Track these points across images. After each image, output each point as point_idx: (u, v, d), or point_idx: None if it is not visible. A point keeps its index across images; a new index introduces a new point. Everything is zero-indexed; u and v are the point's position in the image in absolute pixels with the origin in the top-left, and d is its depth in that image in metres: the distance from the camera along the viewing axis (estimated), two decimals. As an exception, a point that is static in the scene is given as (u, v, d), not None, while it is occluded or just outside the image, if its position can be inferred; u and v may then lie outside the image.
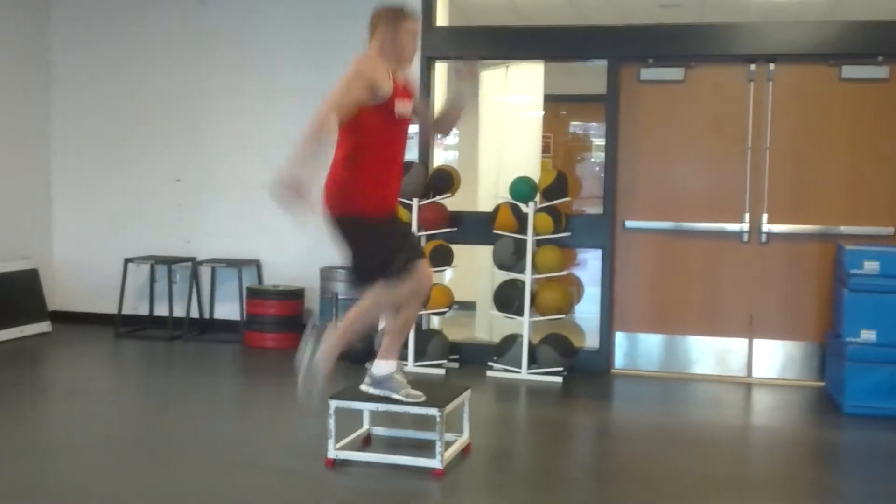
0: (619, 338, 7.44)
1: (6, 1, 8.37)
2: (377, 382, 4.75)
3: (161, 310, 8.57)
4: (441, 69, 7.73)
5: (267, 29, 8.48)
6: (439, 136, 4.97)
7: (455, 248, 7.35)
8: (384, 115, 4.45)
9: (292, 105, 8.46)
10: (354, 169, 4.45)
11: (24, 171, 8.65)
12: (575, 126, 11.32)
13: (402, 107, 4.50)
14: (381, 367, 4.74)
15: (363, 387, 4.82)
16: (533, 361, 7.08)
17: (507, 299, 7.20)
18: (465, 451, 5.05)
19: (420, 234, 7.29)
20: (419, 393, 4.74)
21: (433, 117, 4.97)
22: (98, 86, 8.83)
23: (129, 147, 8.80)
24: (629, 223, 7.34)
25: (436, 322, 7.64)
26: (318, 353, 4.53)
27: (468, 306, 8.44)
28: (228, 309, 8.53)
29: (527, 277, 7.12)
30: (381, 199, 4.54)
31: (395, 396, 4.72)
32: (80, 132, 8.89)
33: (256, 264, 8.55)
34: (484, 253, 7.61)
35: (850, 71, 7.00)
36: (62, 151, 8.93)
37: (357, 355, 7.32)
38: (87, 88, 8.85)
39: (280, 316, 8.08)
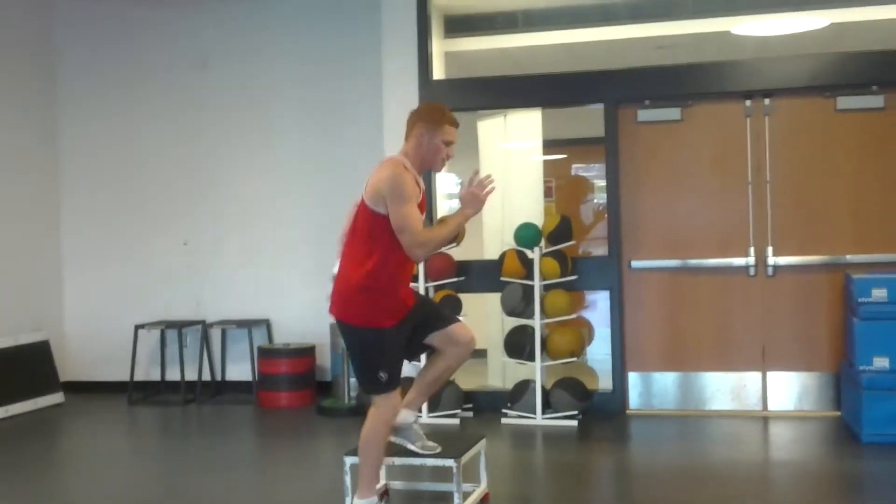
0: (633, 378, 7.42)
1: (12, 78, 8.49)
2: (395, 430, 4.69)
3: (173, 374, 8.57)
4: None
5: (268, 92, 8.60)
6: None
7: (464, 297, 7.36)
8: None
9: (296, 165, 8.60)
10: (377, 280, 4.35)
11: (33, 243, 8.71)
12: (576, 169, 11.37)
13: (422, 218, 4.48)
14: (402, 415, 4.67)
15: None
16: (547, 406, 7.05)
17: (518, 345, 7.20)
18: (484, 500, 5.02)
19: (428, 284, 7.31)
20: (435, 444, 4.71)
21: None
22: (104, 156, 8.94)
23: (136, 214, 8.87)
24: (635, 263, 7.36)
25: (448, 372, 7.61)
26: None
27: (480, 354, 8.39)
28: (240, 370, 8.54)
29: (536, 322, 7.12)
30: (404, 307, 4.47)
31: (411, 447, 4.69)
32: (88, 202, 8.97)
33: (266, 323, 8.57)
34: (493, 300, 7.61)
35: (845, 102, 7.05)
36: (71, 222, 9.00)
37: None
38: (93, 159, 8.95)
39: (292, 374, 8.08)
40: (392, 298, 4.39)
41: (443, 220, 4.66)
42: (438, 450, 4.69)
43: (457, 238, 4.73)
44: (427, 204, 5.03)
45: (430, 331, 4.56)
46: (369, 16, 8.00)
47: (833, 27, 7.62)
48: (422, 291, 7.23)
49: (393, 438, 4.69)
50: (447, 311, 5.00)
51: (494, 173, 8.02)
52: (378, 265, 4.33)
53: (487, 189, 4.49)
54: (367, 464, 4.47)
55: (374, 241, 4.35)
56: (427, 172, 4.96)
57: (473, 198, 4.48)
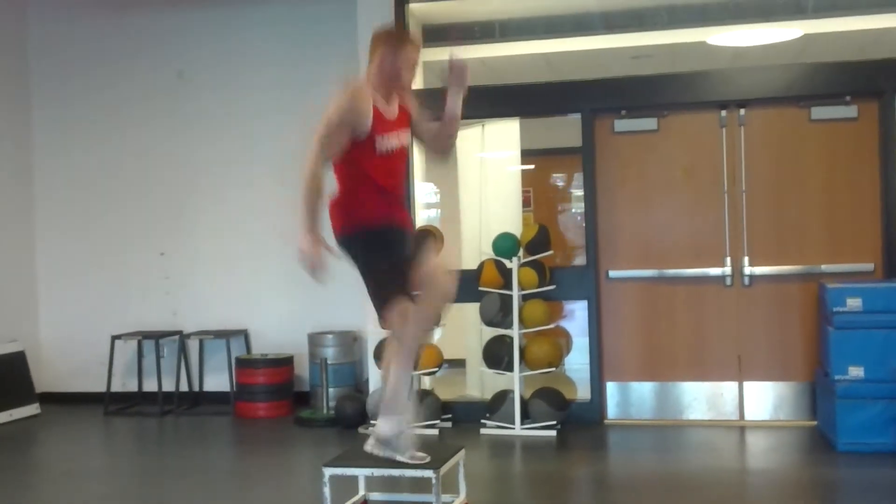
0: (611, 388, 7.45)
1: (-16, 86, 8.46)
2: (384, 444, 4.58)
3: (150, 385, 8.53)
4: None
5: (245, 101, 8.58)
6: (440, 158, 4.76)
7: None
8: (369, 151, 4.37)
9: (274, 172, 8.55)
10: (354, 195, 4.38)
11: (7, 253, 8.66)
12: (554, 178, 11.43)
13: (385, 143, 4.40)
14: (387, 425, 4.54)
15: (367, 448, 4.71)
16: (526, 416, 7.07)
17: (496, 355, 7.21)
18: (463, 511, 5.03)
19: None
20: (424, 455, 4.62)
21: (433, 138, 4.73)
22: (79, 165, 8.89)
23: (112, 224, 8.83)
24: (613, 273, 7.39)
25: (427, 382, 7.63)
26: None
27: (458, 364, 8.43)
28: (218, 380, 8.50)
29: (515, 333, 7.14)
30: (385, 212, 4.40)
31: (400, 459, 4.57)
32: (63, 212, 8.92)
33: (244, 334, 8.54)
34: (471, 310, 7.63)
35: (819, 112, 7.12)
36: (45, 232, 8.95)
37: (349, 420, 7.32)
38: (68, 168, 8.91)
39: (270, 384, 8.06)
40: (372, 204, 4.36)
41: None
42: (428, 459, 4.64)
43: None
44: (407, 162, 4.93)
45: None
46: (346, 24, 8.00)
47: (806, 38, 7.70)
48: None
49: (382, 453, 4.60)
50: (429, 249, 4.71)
51: (472, 183, 8.19)
52: (350, 188, 4.38)
53: (466, 68, 4.51)
54: (402, 382, 4.44)
55: (343, 163, 4.40)
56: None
57: (458, 76, 4.50)
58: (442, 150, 4.76)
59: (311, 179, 4.21)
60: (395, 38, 4.49)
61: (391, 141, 4.43)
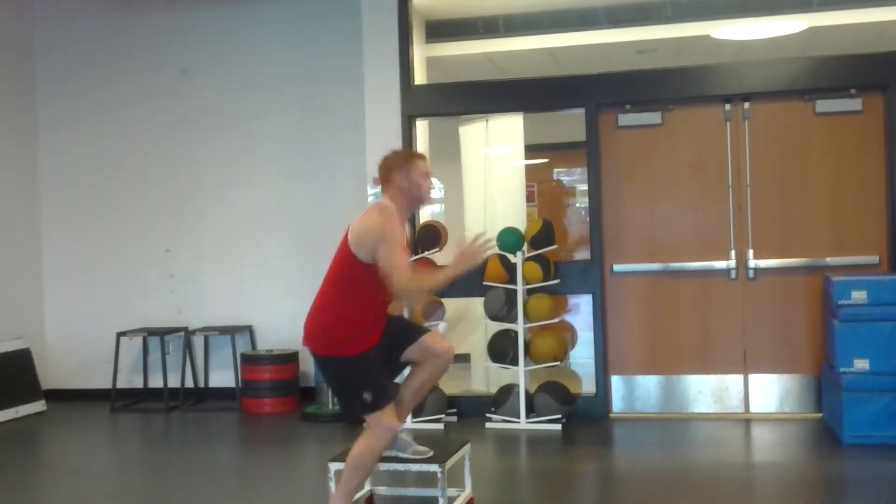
0: (616, 381, 7.45)
1: (-12, 84, 8.47)
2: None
3: (156, 381, 8.54)
4: (421, 127, 7.82)
5: (249, 99, 8.59)
6: (401, 299, 4.76)
7: (447, 301, 7.38)
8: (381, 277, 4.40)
9: (277, 171, 8.58)
10: (349, 316, 4.42)
11: (12, 251, 8.67)
12: (558, 173, 11.41)
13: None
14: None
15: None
16: (531, 410, 7.07)
17: (501, 350, 7.22)
18: (469, 505, 5.03)
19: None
20: (426, 449, 4.71)
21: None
22: (84, 163, 8.90)
23: (117, 221, 8.84)
24: (617, 267, 7.39)
25: (432, 377, 7.62)
26: None
27: (463, 359, 8.43)
28: (223, 377, 8.51)
29: (519, 327, 7.15)
30: (370, 338, 4.48)
31: (404, 455, 4.68)
32: (68, 210, 8.93)
33: (249, 330, 8.55)
34: (476, 305, 7.63)
35: (824, 105, 7.11)
36: (50, 230, 8.97)
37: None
38: (73, 166, 8.92)
39: (275, 380, 8.08)
40: (362, 330, 4.43)
41: (427, 259, 4.70)
42: (430, 454, 4.69)
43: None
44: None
45: (405, 346, 4.58)
46: (350, 21, 8.00)
47: (811, 31, 7.68)
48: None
49: (385, 452, 4.66)
50: (417, 325, 4.99)
51: (476, 179, 8.18)
52: (348, 301, 4.42)
53: (485, 252, 4.51)
54: (352, 480, 4.48)
55: (348, 280, 4.43)
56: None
57: (471, 256, 4.48)
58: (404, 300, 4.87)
59: (417, 293, 4.50)
60: (405, 158, 4.59)
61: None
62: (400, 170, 4.50)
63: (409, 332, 4.68)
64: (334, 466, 4.74)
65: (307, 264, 8.27)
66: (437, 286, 4.50)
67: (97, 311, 8.82)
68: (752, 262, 7.20)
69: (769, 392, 7.23)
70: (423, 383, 4.68)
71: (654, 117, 7.37)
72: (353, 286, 4.42)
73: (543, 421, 7.00)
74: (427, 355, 4.60)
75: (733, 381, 7.27)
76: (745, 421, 7.12)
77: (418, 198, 4.56)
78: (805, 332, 7.12)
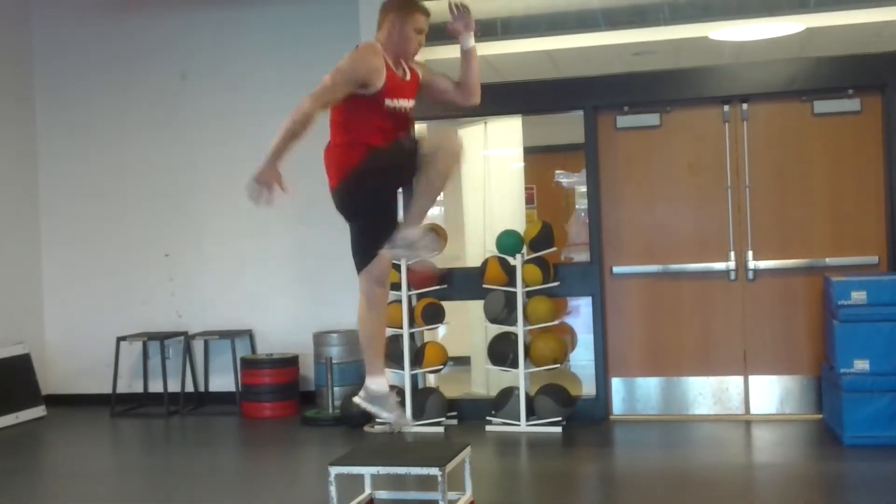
0: (616, 383, 7.44)
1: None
2: (372, 398, 4.62)
3: (156, 386, 8.53)
4: (420, 129, 7.80)
5: (248, 99, 8.58)
6: (470, 102, 4.62)
7: (446, 304, 7.38)
8: (375, 106, 4.32)
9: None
10: (351, 142, 4.37)
11: (13, 256, 8.66)
12: (557, 175, 11.41)
13: (394, 103, 4.36)
14: (379, 383, 4.62)
15: (357, 399, 4.70)
16: (531, 413, 7.07)
17: (501, 352, 7.21)
18: (470, 508, 5.03)
19: (410, 293, 7.31)
20: (409, 419, 4.70)
21: (455, 86, 4.68)
22: (83, 167, 8.90)
23: (116, 226, 8.84)
24: (617, 269, 7.39)
25: (432, 380, 7.64)
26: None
27: (463, 362, 8.44)
28: (223, 381, 8.51)
29: (519, 329, 7.14)
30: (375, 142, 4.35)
31: (386, 415, 4.63)
32: (68, 215, 8.93)
33: (249, 334, 8.55)
34: (475, 308, 7.63)
35: (822, 106, 7.11)
36: (51, 234, 8.96)
37: (355, 419, 7.32)
38: (72, 170, 8.92)
39: (275, 384, 8.07)
40: (356, 148, 4.37)
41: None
42: (411, 424, 4.66)
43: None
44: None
45: (413, 158, 4.33)
46: (348, 26, 8.00)
47: (809, 32, 7.68)
48: (404, 300, 7.23)
49: (369, 407, 4.63)
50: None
51: (475, 181, 8.18)
52: (347, 122, 4.38)
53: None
54: (364, 347, 4.60)
55: (342, 112, 4.40)
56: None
57: (464, 20, 4.46)
58: (470, 92, 4.67)
59: (301, 121, 4.22)
60: (405, 5, 4.44)
61: (400, 102, 4.41)
62: (396, 15, 4.39)
63: (416, 140, 4.49)
64: (335, 470, 4.74)
65: (306, 268, 8.29)
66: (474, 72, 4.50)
67: (97, 316, 8.82)
68: (752, 264, 7.20)
69: (769, 393, 7.23)
70: (438, 174, 4.37)
71: (652, 119, 7.38)
72: (345, 115, 4.38)
73: (544, 423, 6.99)
74: (440, 145, 4.37)
75: (733, 382, 7.27)
76: (746, 422, 7.12)
77: (403, 50, 4.42)
78: (805, 332, 7.12)
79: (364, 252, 4.45)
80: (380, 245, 4.41)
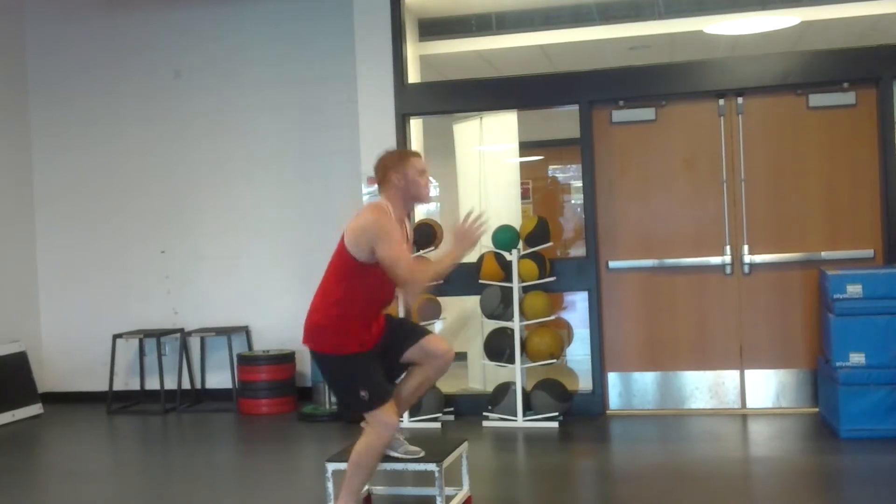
0: (612, 378, 7.45)
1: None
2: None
3: (152, 383, 8.53)
4: (416, 125, 7.81)
5: (243, 99, 8.58)
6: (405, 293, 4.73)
7: (443, 300, 7.38)
8: (382, 273, 4.41)
9: (272, 171, 8.58)
10: (347, 312, 4.43)
11: (8, 254, 8.65)
12: (552, 170, 11.42)
13: None
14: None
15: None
16: (528, 408, 7.07)
17: (497, 348, 7.22)
18: (467, 504, 5.04)
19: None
20: (417, 449, 4.73)
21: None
22: (78, 164, 8.89)
23: (112, 223, 8.83)
24: (613, 264, 7.39)
25: (428, 376, 7.62)
26: None
27: (460, 357, 8.42)
28: (220, 378, 8.51)
29: (515, 325, 7.15)
30: (367, 338, 4.50)
31: (394, 454, 4.70)
32: (63, 212, 8.92)
33: (245, 331, 8.55)
34: (472, 303, 7.63)
35: (817, 99, 7.12)
36: (45, 232, 8.95)
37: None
38: (67, 168, 8.91)
39: (272, 381, 8.07)
40: (360, 329, 4.46)
41: (423, 258, 4.71)
42: (421, 454, 4.71)
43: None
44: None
45: (404, 347, 4.61)
46: (343, 20, 8.00)
47: (803, 25, 7.69)
48: (400, 297, 7.21)
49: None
50: (417, 326, 5.00)
51: (471, 176, 8.18)
52: (346, 301, 4.42)
53: (480, 230, 4.52)
54: (355, 479, 4.49)
55: (346, 280, 4.44)
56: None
57: (466, 236, 4.49)
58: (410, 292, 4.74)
59: (423, 275, 4.39)
60: (402, 156, 4.61)
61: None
62: (396, 169, 4.50)
63: (409, 332, 4.70)
64: (332, 466, 4.75)
65: (302, 264, 8.28)
66: (442, 271, 4.47)
67: (93, 314, 8.81)
68: (748, 258, 7.20)
69: (765, 387, 7.24)
70: (421, 382, 4.70)
71: (647, 113, 7.38)
72: (350, 285, 4.42)
73: (540, 419, 7.00)
74: (427, 357, 4.61)
75: (730, 376, 7.28)
76: (742, 416, 7.13)
77: (416, 196, 4.57)
78: (801, 326, 7.13)
79: (380, 391, 4.46)
80: (392, 380, 4.63)
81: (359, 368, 4.43)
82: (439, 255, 4.56)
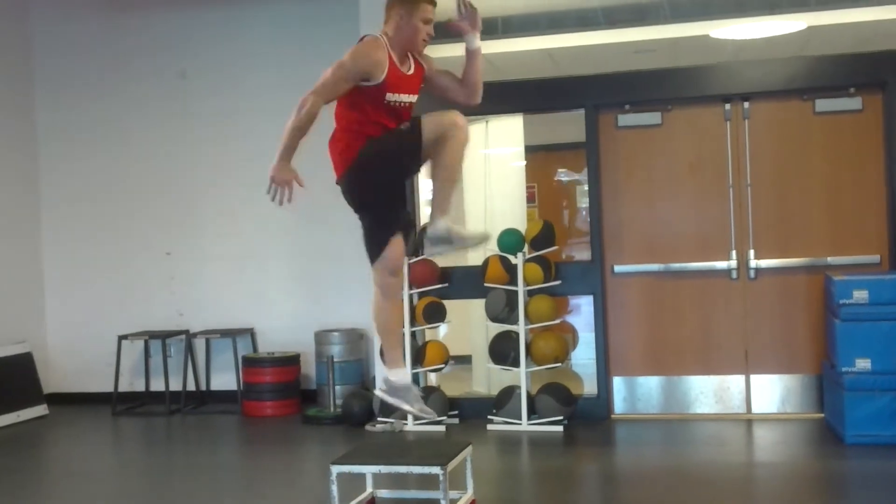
0: (617, 382, 7.44)
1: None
2: (394, 390, 4.55)
3: (157, 385, 8.53)
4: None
5: (248, 98, 8.58)
6: (471, 101, 4.59)
7: (448, 303, 7.38)
8: (376, 99, 4.34)
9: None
10: (354, 131, 4.41)
11: (14, 255, 8.67)
12: (558, 174, 11.41)
13: (395, 98, 4.36)
14: (399, 374, 4.57)
15: (378, 392, 4.69)
16: (533, 412, 7.07)
17: (502, 351, 7.21)
18: (471, 507, 5.03)
19: (412, 291, 7.31)
20: (432, 410, 4.66)
21: (458, 84, 4.66)
22: (84, 167, 8.90)
23: (118, 225, 8.84)
24: (618, 268, 7.38)
25: (433, 378, 7.64)
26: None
27: (464, 360, 8.44)
28: (225, 379, 8.51)
29: (521, 328, 7.14)
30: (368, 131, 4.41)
31: (408, 407, 4.56)
32: (69, 214, 8.93)
33: (251, 333, 8.55)
34: (477, 306, 7.63)
35: (823, 104, 7.11)
36: (51, 233, 8.96)
37: (356, 418, 7.33)
38: (73, 169, 8.91)
39: (277, 383, 8.07)
40: (356, 138, 4.39)
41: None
42: (434, 415, 4.63)
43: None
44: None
45: (418, 137, 4.38)
46: (348, 24, 7.99)
47: (809, 30, 7.68)
48: (405, 299, 7.22)
49: (391, 399, 4.57)
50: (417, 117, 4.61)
51: (477, 179, 8.18)
52: (349, 126, 4.42)
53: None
54: (384, 346, 4.57)
55: (346, 106, 4.44)
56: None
57: (471, 16, 4.45)
58: (473, 92, 4.66)
59: (305, 117, 4.27)
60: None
61: (401, 96, 4.41)
62: (402, 6, 4.36)
63: (416, 124, 4.46)
64: (336, 469, 4.74)
65: (307, 266, 8.29)
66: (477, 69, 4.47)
67: (98, 315, 8.82)
68: (753, 262, 7.19)
69: (771, 392, 7.22)
70: (450, 160, 4.43)
71: (653, 117, 7.38)
72: (347, 106, 4.40)
73: (545, 422, 6.99)
74: (443, 127, 4.40)
75: (735, 381, 7.26)
76: (747, 421, 7.12)
77: (412, 41, 4.40)
78: (806, 331, 7.12)
79: (375, 242, 4.42)
80: (391, 233, 4.41)
81: (368, 180, 4.36)
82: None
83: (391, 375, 4.57)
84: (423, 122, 4.40)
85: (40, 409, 8.31)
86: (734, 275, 7.22)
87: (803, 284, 7.13)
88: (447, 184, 4.48)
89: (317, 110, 4.27)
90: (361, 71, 4.29)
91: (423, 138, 4.35)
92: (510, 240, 7.24)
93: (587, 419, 7.23)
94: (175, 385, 8.43)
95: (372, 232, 4.44)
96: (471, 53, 4.54)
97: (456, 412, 7.39)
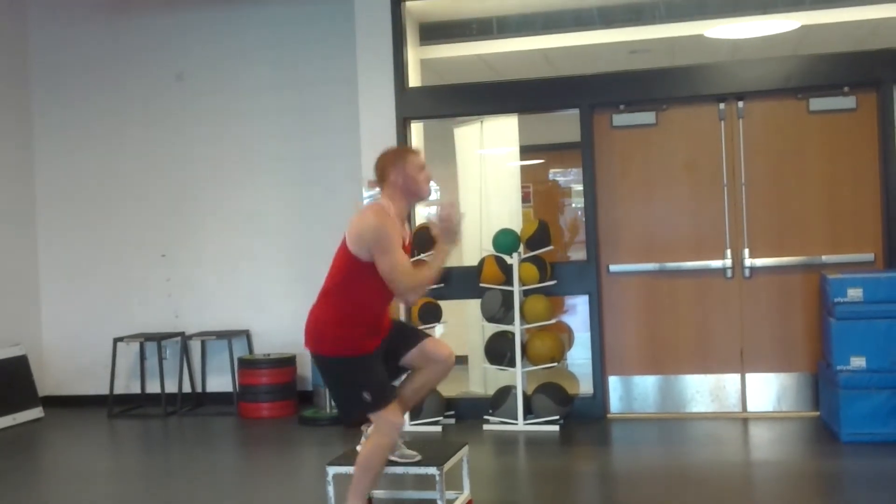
0: (613, 382, 7.45)
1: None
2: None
3: (153, 387, 8.53)
4: (416, 129, 7.82)
5: (244, 100, 8.59)
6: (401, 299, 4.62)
7: (443, 303, 7.38)
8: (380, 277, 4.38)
9: (273, 174, 8.58)
10: (349, 316, 4.40)
11: (9, 257, 8.66)
12: (553, 174, 11.42)
13: None
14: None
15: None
16: (529, 412, 7.07)
17: (498, 351, 7.22)
18: (468, 507, 5.03)
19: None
20: (414, 453, 4.72)
21: None
22: (80, 168, 8.90)
23: (113, 226, 8.84)
24: (613, 267, 7.39)
25: (429, 379, 7.61)
26: None
27: (460, 360, 8.39)
28: (221, 381, 8.51)
29: (516, 328, 7.15)
30: (370, 341, 4.46)
31: (391, 458, 4.65)
32: (64, 215, 8.93)
33: (246, 334, 8.55)
34: (473, 307, 7.63)
35: (817, 103, 7.12)
36: (47, 235, 8.96)
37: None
38: (69, 171, 8.91)
39: (273, 384, 8.07)
40: (362, 331, 4.42)
41: (424, 261, 4.66)
42: (418, 458, 4.70)
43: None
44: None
45: (405, 351, 4.58)
46: (344, 24, 8.02)
47: (804, 29, 7.70)
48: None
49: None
50: (417, 329, 4.95)
51: (472, 180, 8.19)
52: (349, 300, 4.40)
53: (457, 217, 4.46)
54: (363, 481, 4.42)
55: (348, 279, 4.40)
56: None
57: (447, 230, 4.45)
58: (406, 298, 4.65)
59: (419, 282, 4.36)
60: (400, 153, 4.59)
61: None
62: (394, 166, 4.46)
63: (410, 336, 4.67)
64: (332, 470, 4.74)
65: (303, 267, 8.29)
66: (436, 271, 4.43)
67: (94, 317, 8.82)
68: (748, 261, 7.20)
69: (766, 391, 7.23)
70: (422, 385, 4.67)
71: (648, 117, 7.38)
72: (352, 286, 4.39)
73: (541, 422, 7.00)
74: (428, 360, 4.60)
75: (730, 380, 7.27)
76: (743, 420, 7.13)
77: (415, 192, 4.51)
78: (802, 330, 7.13)
79: (384, 392, 4.43)
80: (392, 390, 4.53)
81: (362, 370, 4.39)
82: (430, 261, 4.50)
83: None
84: (422, 343, 4.61)
85: (36, 412, 8.30)
86: (729, 274, 7.23)
87: (798, 283, 7.14)
88: (415, 397, 4.76)
89: (415, 278, 4.34)
90: (398, 243, 4.36)
91: (406, 356, 4.60)
92: (505, 240, 7.24)
93: (583, 419, 7.23)
94: (171, 387, 8.43)
95: (377, 388, 4.44)
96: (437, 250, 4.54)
97: (452, 412, 7.40)
